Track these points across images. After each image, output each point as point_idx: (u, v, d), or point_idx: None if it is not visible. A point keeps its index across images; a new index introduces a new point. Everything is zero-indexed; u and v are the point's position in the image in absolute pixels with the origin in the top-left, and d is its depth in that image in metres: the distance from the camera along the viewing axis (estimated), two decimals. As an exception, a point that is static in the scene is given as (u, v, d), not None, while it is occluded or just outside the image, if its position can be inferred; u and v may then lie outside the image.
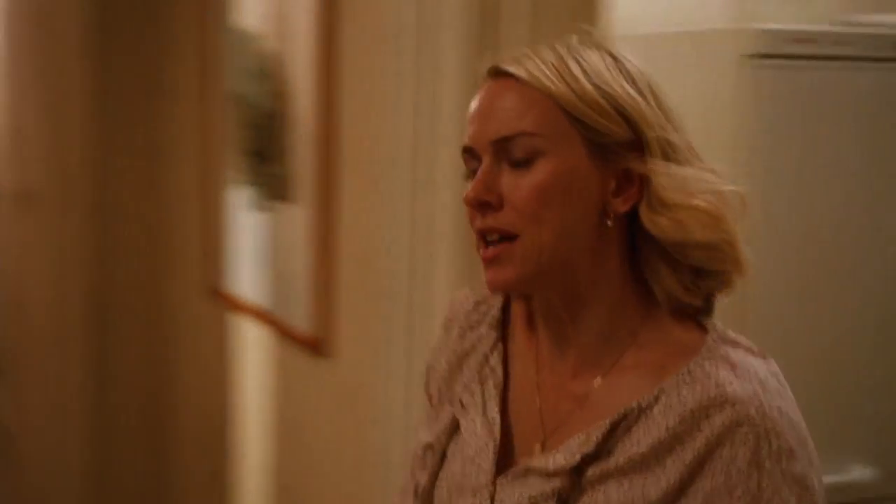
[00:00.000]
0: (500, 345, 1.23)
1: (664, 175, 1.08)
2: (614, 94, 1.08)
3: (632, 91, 1.09)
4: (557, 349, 1.16)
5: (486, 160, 1.10)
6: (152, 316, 3.20)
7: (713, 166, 1.11)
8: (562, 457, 1.08)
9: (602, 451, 1.07)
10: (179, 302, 3.19)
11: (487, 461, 1.14)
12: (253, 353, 2.85)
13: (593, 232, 1.09)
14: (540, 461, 1.10)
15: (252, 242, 2.73)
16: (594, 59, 1.11)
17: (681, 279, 1.10)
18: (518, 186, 1.08)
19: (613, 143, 1.08)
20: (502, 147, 1.09)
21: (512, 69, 1.11)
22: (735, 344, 1.09)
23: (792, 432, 1.01)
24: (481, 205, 1.09)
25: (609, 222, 1.09)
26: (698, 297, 1.11)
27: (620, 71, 1.10)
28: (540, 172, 1.07)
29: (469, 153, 1.13)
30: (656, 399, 1.05)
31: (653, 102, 1.10)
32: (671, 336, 1.11)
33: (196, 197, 3.04)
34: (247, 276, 2.78)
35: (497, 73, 1.13)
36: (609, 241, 1.11)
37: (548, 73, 1.09)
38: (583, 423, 1.09)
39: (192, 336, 3.15)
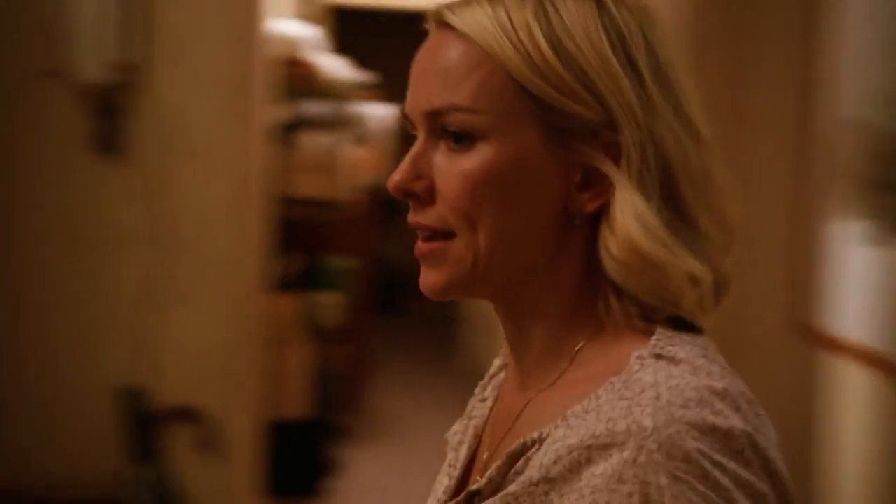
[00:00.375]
0: (500, 374, 1.06)
1: (628, 200, 0.83)
2: (584, 64, 0.82)
3: (614, 59, 0.83)
4: (514, 361, 0.96)
5: (421, 136, 0.89)
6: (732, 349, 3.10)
7: (715, 195, 0.87)
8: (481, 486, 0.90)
9: (501, 486, 0.87)
10: (756, 336, 3.06)
11: (442, 493, 0.99)
12: (854, 398, 2.63)
13: (553, 233, 0.88)
14: (474, 487, 0.92)
15: (862, 278, 2.53)
16: (572, 8, 0.84)
17: (625, 305, 0.87)
18: (449, 175, 0.87)
19: (580, 128, 0.84)
20: (436, 121, 0.87)
21: (452, 18, 0.86)
22: (670, 360, 0.82)
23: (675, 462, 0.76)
24: (406, 195, 0.89)
25: (577, 221, 0.87)
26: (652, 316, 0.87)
27: (605, 28, 0.83)
28: (475, 159, 0.85)
29: (407, 120, 0.91)
30: (556, 429, 0.84)
31: (647, 76, 0.83)
32: (612, 352, 0.87)
33: (784, 227, 2.89)
34: (853, 315, 2.57)
35: (440, 22, 0.88)
36: (571, 244, 0.88)
37: (495, 27, 0.84)
38: (503, 450, 0.90)
39: (768, 371, 3.01)
